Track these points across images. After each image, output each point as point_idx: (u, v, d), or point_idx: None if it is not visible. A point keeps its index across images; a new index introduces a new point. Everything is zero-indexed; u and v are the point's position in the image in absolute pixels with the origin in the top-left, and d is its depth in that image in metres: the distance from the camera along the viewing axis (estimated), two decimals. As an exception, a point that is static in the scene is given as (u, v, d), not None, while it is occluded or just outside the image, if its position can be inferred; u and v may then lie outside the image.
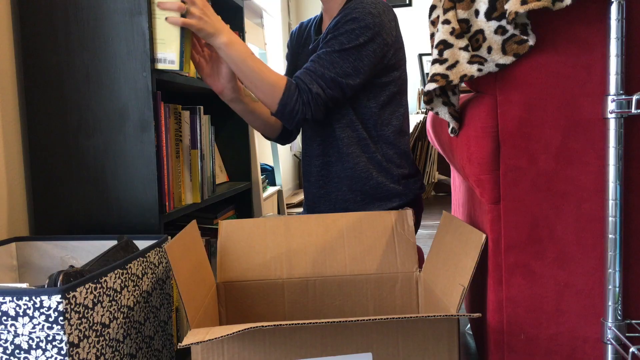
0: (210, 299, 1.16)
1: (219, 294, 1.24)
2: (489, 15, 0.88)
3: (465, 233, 1.05)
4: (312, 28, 1.50)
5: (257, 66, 1.23)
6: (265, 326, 0.86)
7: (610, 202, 0.84)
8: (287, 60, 1.57)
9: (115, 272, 1.03)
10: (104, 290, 0.99)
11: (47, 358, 0.87)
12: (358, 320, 0.88)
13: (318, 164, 1.43)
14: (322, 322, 0.87)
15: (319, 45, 1.35)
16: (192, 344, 0.84)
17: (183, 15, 1.23)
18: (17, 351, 0.88)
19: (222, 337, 0.83)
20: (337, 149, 1.39)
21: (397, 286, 1.23)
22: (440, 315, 0.88)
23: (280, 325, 0.87)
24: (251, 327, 0.84)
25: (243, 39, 2.11)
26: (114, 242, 1.28)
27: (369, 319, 0.88)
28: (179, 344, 0.83)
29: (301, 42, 1.52)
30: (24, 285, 0.94)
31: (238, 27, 2.10)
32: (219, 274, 1.25)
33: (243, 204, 2.09)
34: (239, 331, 0.84)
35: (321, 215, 1.27)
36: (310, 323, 0.87)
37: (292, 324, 0.87)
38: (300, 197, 3.84)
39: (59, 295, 0.86)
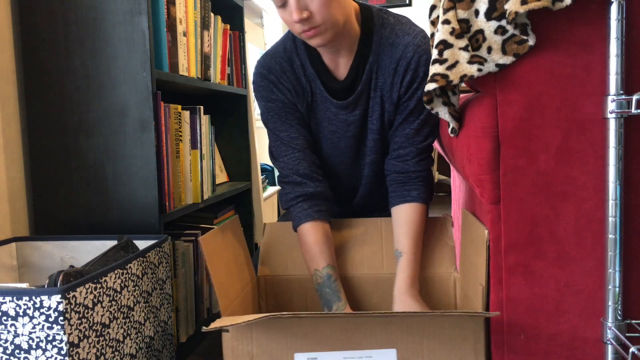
0: (249, 291, 1.19)
1: (260, 287, 1.27)
2: (489, 15, 0.88)
3: (475, 229, 1.05)
4: (310, 75, 1.22)
5: (422, 230, 1.22)
6: (285, 315, 0.88)
7: (611, 202, 0.83)
8: (277, 117, 1.23)
9: (115, 272, 1.03)
10: (104, 290, 0.99)
11: (47, 358, 0.87)
12: (382, 314, 0.89)
13: (365, 185, 1.36)
14: (346, 315, 0.88)
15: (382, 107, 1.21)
16: (217, 328, 0.88)
17: None
18: (17, 351, 0.88)
19: (246, 322, 0.86)
20: (377, 168, 1.33)
21: (435, 287, 1.23)
22: (461, 312, 0.88)
23: (299, 315, 0.88)
24: (272, 316, 0.87)
25: (243, 39, 2.11)
26: (114, 242, 1.28)
27: (393, 314, 0.88)
28: (204, 327, 0.86)
29: (304, 96, 1.24)
30: (24, 285, 0.94)
31: (238, 27, 2.10)
32: (261, 268, 1.27)
33: (243, 204, 2.10)
34: (260, 318, 0.86)
35: (360, 219, 1.28)
36: (334, 315, 0.88)
37: (314, 314, 0.89)
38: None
39: (59, 295, 0.86)
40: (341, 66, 1.21)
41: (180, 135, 1.51)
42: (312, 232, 1.18)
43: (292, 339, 0.94)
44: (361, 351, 0.93)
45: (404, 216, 1.21)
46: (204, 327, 0.87)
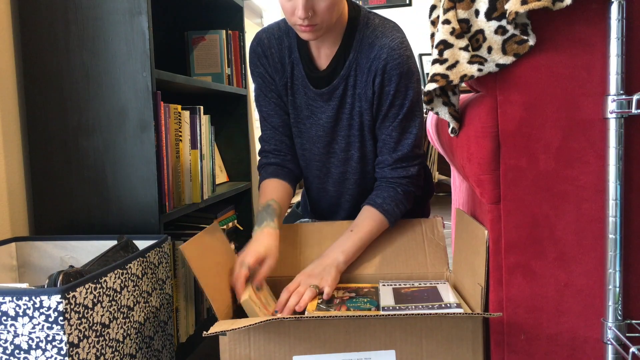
0: None
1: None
2: (489, 15, 0.88)
3: (473, 229, 1.05)
4: (295, 58, 1.28)
5: (367, 237, 1.22)
6: (287, 318, 0.87)
7: (611, 202, 0.83)
8: (260, 91, 1.33)
9: (115, 272, 1.03)
10: (104, 290, 0.99)
11: (47, 358, 0.87)
12: (381, 315, 0.89)
13: (334, 183, 1.37)
14: (346, 317, 0.88)
15: (347, 100, 1.25)
16: (217, 332, 0.88)
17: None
18: (17, 351, 0.88)
19: (245, 327, 0.86)
20: (358, 170, 1.34)
21: None
22: (461, 314, 0.88)
23: (302, 318, 0.88)
24: (274, 319, 0.87)
25: (243, 39, 2.11)
26: (114, 242, 1.28)
27: (392, 315, 0.88)
28: (205, 332, 0.86)
29: (284, 75, 1.30)
30: (24, 285, 0.94)
31: (238, 27, 2.10)
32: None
33: (243, 204, 2.09)
34: (262, 322, 0.86)
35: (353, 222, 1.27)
36: (334, 317, 0.88)
37: (315, 317, 0.89)
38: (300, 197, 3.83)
39: (59, 295, 0.86)
40: (323, 57, 1.27)
41: (180, 135, 1.51)
42: (269, 183, 1.31)
43: (291, 342, 0.93)
44: (360, 353, 0.93)
45: (358, 216, 1.25)
46: (205, 332, 0.87)
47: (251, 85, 2.65)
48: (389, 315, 0.90)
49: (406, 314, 0.89)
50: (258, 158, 1.38)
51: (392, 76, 1.19)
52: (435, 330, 0.93)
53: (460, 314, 0.87)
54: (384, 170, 1.26)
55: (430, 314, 0.88)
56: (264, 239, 1.16)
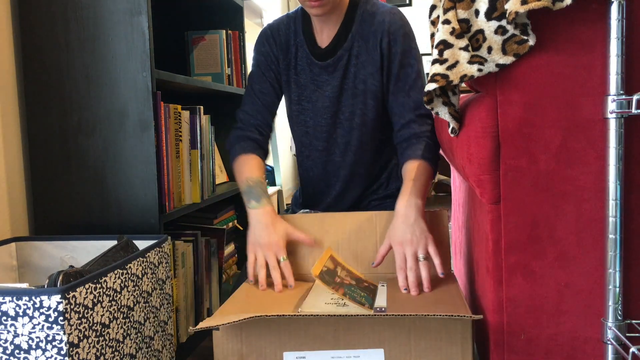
0: (242, 290, 1.18)
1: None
2: (489, 15, 0.88)
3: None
4: (300, 40, 1.37)
5: (427, 186, 1.25)
6: (271, 316, 0.89)
7: (611, 202, 0.83)
8: (259, 68, 1.40)
9: (115, 272, 1.03)
10: (104, 291, 0.99)
11: (47, 358, 0.87)
12: (370, 315, 0.89)
13: (341, 153, 1.41)
14: (335, 315, 0.89)
15: (350, 70, 1.33)
16: (205, 327, 0.89)
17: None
18: (17, 351, 0.88)
19: (231, 323, 0.88)
20: (362, 152, 1.40)
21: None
22: (447, 315, 0.88)
23: (286, 315, 0.88)
24: (259, 316, 0.88)
25: (243, 39, 2.11)
26: (114, 242, 1.28)
27: (381, 315, 0.89)
28: (190, 328, 0.87)
29: (288, 56, 1.39)
30: (24, 285, 0.94)
31: (238, 27, 2.10)
32: None
33: (243, 204, 2.09)
34: (248, 318, 0.88)
35: (355, 213, 1.27)
36: (324, 315, 0.89)
37: (302, 315, 0.89)
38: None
39: (59, 296, 0.86)
40: (325, 37, 1.36)
41: (180, 135, 1.51)
42: (248, 158, 1.34)
43: (282, 338, 0.95)
44: (349, 351, 0.94)
45: (404, 170, 1.28)
46: (191, 328, 0.88)
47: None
48: (378, 315, 0.91)
49: (394, 314, 0.89)
50: (234, 129, 1.40)
51: (397, 36, 1.30)
52: (423, 330, 0.93)
53: (446, 315, 0.88)
54: (411, 126, 1.31)
55: (418, 314, 0.88)
56: (274, 221, 1.23)
